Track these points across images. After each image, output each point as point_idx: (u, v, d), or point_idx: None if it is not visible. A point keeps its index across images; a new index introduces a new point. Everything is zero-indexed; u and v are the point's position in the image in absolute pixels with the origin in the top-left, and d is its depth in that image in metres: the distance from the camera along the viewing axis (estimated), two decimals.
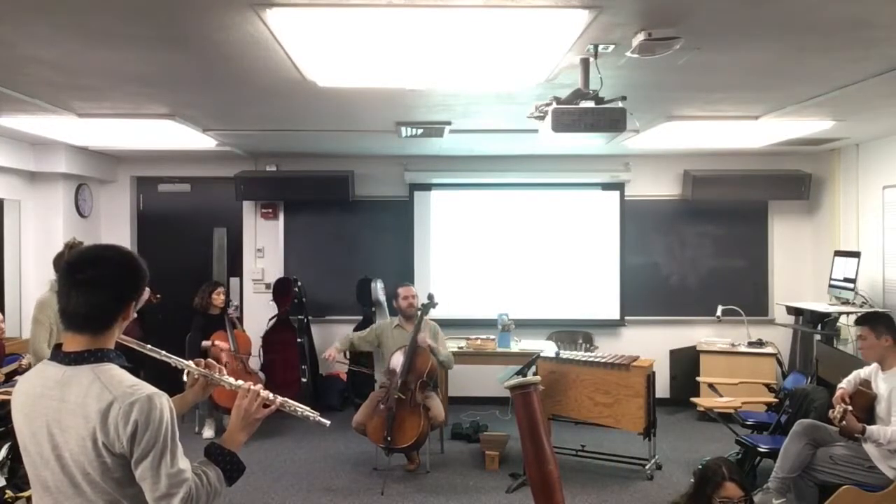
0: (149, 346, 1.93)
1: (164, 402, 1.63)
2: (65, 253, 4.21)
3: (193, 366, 1.98)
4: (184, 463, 1.66)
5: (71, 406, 1.61)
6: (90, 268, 1.69)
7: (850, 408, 3.72)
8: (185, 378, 2.04)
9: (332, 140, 6.10)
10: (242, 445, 1.85)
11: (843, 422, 3.66)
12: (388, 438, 4.88)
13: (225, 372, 2.02)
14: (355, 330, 6.90)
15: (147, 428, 1.58)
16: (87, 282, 1.67)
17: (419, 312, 5.30)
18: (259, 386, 1.90)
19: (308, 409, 1.98)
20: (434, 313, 5.40)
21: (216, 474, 1.74)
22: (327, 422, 2.03)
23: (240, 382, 1.92)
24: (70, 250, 4.22)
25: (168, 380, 2.37)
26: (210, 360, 2.04)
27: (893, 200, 5.77)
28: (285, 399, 1.94)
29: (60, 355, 1.68)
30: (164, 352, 1.94)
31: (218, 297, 6.07)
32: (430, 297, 5.39)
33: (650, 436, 5.07)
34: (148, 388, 1.63)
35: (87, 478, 1.61)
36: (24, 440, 1.71)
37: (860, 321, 4.04)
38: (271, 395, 1.91)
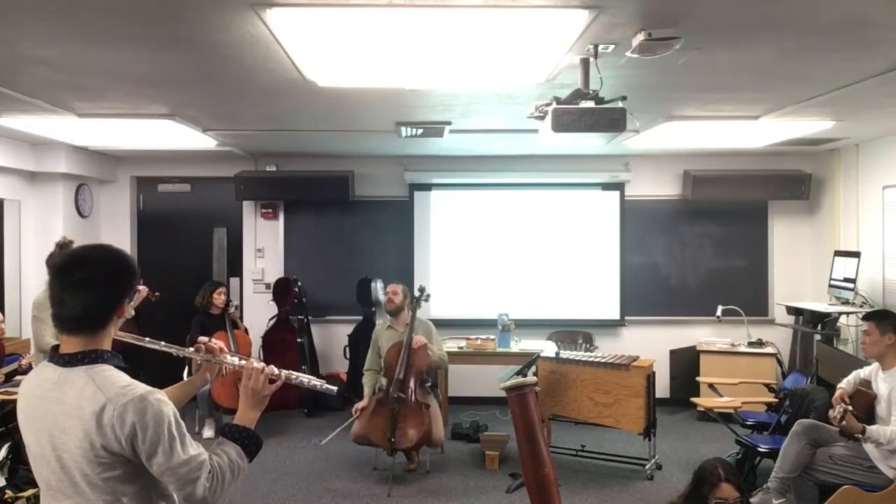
0: (147, 338, 1.94)
1: (159, 398, 1.63)
2: (55, 253, 4.18)
3: (194, 352, 2.01)
4: (195, 448, 1.66)
5: (67, 408, 1.61)
6: (80, 270, 1.68)
7: (850, 408, 3.72)
8: (185, 374, 2.06)
9: (332, 140, 6.10)
10: (256, 421, 1.86)
11: (843, 422, 3.66)
12: (392, 439, 4.84)
13: (227, 354, 2.04)
14: (352, 332, 6.96)
15: (146, 427, 1.58)
16: (78, 284, 1.65)
17: (412, 306, 5.21)
18: (262, 363, 1.91)
19: (314, 377, 2.03)
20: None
21: (236, 451, 1.76)
22: (334, 388, 2.06)
23: (242, 362, 1.94)
24: (61, 249, 4.19)
25: (170, 375, 2.38)
26: (210, 343, 2.04)
27: (893, 200, 5.76)
28: (290, 372, 1.97)
29: (57, 357, 1.68)
30: (162, 343, 1.94)
31: (219, 297, 6.06)
32: (422, 289, 5.25)
33: (650, 436, 5.07)
34: (141, 388, 1.63)
35: (86, 478, 1.61)
36: (27, 440, 1.72)
37: (867, 317, 4.08)
38: (276, 370, 1.93)
